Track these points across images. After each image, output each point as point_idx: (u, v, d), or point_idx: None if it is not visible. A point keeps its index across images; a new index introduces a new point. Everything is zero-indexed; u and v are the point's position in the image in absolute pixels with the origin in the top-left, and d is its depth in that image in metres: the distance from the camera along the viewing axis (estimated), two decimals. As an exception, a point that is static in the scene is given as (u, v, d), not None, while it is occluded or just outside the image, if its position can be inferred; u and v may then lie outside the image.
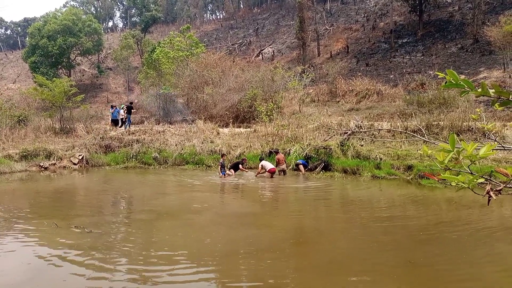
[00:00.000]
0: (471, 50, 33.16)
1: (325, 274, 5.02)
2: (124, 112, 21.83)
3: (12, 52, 73.65)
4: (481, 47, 32.45)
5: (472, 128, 14.15)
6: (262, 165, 13.22)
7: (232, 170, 13.70)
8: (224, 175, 13.21)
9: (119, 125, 21.73)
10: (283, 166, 13.68)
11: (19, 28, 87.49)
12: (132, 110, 21.94)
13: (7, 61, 67.05)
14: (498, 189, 1.87)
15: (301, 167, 13.86)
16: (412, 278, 4.89)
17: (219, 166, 13.46)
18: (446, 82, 1.82)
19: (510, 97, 1.77)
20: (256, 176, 13.23)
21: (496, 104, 1.87)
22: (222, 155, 13.94)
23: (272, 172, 12.97)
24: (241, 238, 6.48)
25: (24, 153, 15.88)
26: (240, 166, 13.74)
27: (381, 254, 5.70)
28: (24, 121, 21.21)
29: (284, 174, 13.59)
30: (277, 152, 14.19)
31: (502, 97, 1.77)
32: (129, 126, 20.85)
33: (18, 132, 19.16)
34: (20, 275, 5.01)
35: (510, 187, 1.98)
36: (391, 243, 6.23)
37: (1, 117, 19.53)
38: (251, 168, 14.68)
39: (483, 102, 19.99)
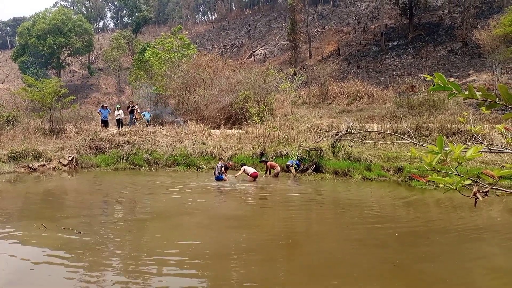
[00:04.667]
0: (461, 53, 33.59)
1: (313, 276, 5.03)
2: (125, 113, 22.51)
3: (1, 52, 72.74)
4: (470, 50, 32.89)
5: (461, 131, 14.33)
6: (244, 169, 13.20)
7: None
8: (222, 179, 12.90)
9: (120, 125, 21.69)
10: (278, 169, 13.76)
11: (8, 28, 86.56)
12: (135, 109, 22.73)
13: (-5, 61, 66.19)
14: (484, 190, 1.89)
15: (292, 168, 13.90)
16: (398, 281, 4.91)
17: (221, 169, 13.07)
18: (434, 85, 1.84)
19: (497, 100, 1.79)
20: (235, 177, 13.24)
21: (482, 108, 1.90)
22: (220, 159, 14.01)
23: (254, 177, 12.92)
24: (231, 240, 6.47)
25: (13, 154, 15.64)
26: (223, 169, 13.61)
27: (368, 256, 5.73)
28: (12, 121, 20.90)
29: (277, 176, 13.60)
30: (265, 162, 14.28)
31: (488, 100, 1.79)
32: (134, 124, 21.65)
33: (7, 133, 18.92)
34: (7, 276, 4.92)
35: (497, 188, 2.00)
36: (379, 245, 6.26)
37: (-11, 117, 19.27)
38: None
39: (472, 105, 20.22)
